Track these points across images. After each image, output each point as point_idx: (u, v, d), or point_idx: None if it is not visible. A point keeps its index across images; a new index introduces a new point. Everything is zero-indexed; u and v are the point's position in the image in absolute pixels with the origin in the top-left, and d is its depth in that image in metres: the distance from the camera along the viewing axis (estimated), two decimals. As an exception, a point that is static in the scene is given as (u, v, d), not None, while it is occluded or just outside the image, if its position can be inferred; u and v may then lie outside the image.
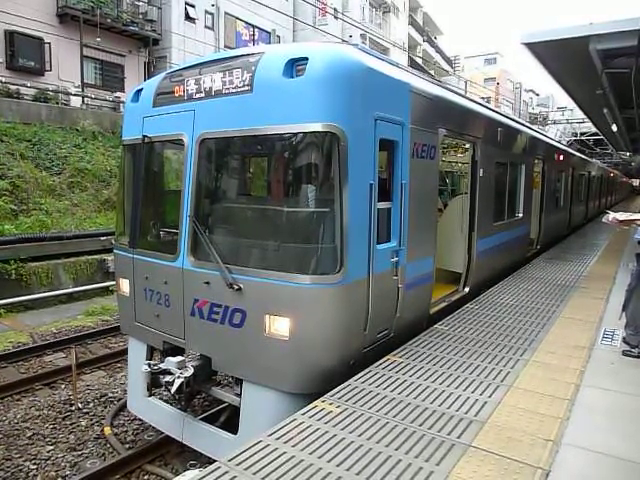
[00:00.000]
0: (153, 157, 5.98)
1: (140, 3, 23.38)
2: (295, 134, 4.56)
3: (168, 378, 4.93)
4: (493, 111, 9.35)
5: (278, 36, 28.62)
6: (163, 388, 5.35)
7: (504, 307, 7.07)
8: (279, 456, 3.29)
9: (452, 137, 6.83)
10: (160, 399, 5.95)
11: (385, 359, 5.03)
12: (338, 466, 3.19)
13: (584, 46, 7.66)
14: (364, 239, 4.68)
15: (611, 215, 5.33)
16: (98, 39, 20.41)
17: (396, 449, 3.41)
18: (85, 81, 20.86)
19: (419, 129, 5.60)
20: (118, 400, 7.26)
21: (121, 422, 6.70)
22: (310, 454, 3.32)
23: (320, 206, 4.59)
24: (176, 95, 5.29)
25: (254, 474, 3.10)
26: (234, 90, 4.73)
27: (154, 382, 5.18)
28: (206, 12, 25.61)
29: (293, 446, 3.42)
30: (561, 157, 14.49)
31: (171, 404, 5.73)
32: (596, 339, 5.79)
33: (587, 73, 9.33)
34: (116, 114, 19.96)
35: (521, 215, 10.55)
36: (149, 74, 22.37)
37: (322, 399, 4.16)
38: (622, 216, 5.24)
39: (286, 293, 4.43)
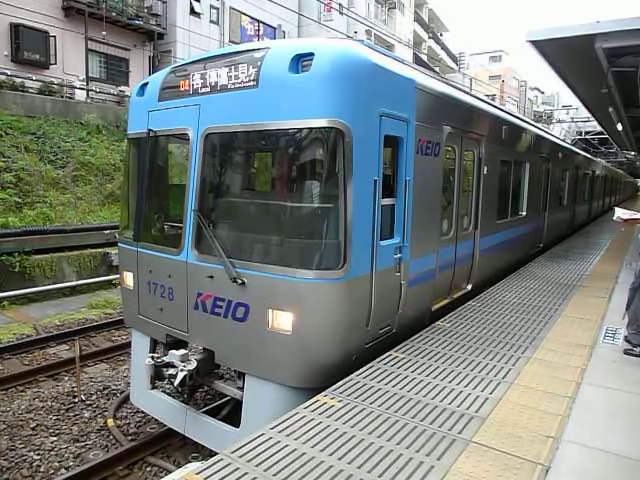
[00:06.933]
0: (158, 151, 5.99)
1: (145, -3, 23.37)
2: (300, 130, 4.58)
3: (171, 371, 4.97)
4: (498, 109, 9.34)
5: (283, 31, 28.56)
6: (166, 381, 5.40)
7: (506, 305, 7.09)
8: (281, 449, 3.33)
9: (457, 134, 6.83)
10: (163, 392, 5.99)
11: (387, 355, 5.06)
12: (340, 459, 3.22)
13: (590, 44, 7.62)
14: (368, 235, 4.70)
15: (616, 214, 5.37)
16: (103, 33, 20.40)
17: (397, 443, 3.44)
18: (90, 75, 20.87)
19: (424, 126, 5.60)
20: (121, 392, 7.31)
21: (124, 414, 6.75)
22: (312, 447, 3.35)
23: (324, 202, 4.60)
24: (181, 89, 5.30)
25: (256, 466, 3.13)
26: (239, 85, 4.74)
27: (157, 375, 5.23)
28: (211, 7, 25.55)
29: (295, 439, 3.45)
30: (565, 156, 14.46)
31: (174, 397, 5.77)
32: (598, 338, 5.80)
33: (593, 71, 9.29)
34: (120, 108, 19.97)
35: (524, 214, 10.55)
36: (154, 68, 22.35)
37: (324, 393, 4.19)
38: (626, 215, 5.27)
39: (289, 288, 4.45)
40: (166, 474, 5.28)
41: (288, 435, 3.51)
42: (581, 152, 19.51)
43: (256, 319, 4.62)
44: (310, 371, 4.58)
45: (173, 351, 5.10)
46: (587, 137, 37.95)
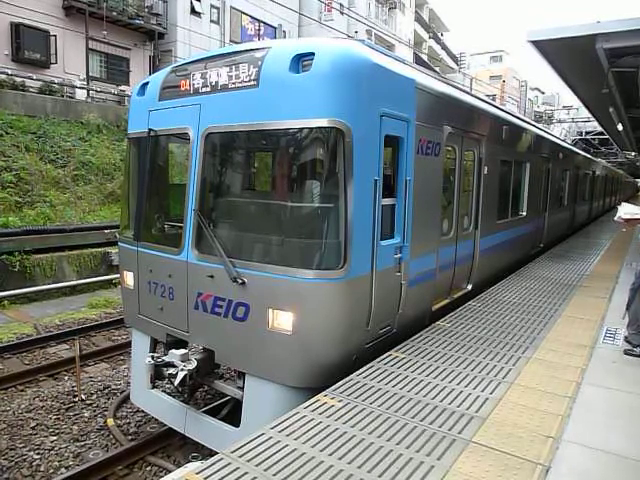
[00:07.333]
0: (158, 151, 5.99)
1: (146, -4, 23.37)
2: (300, 129, 4.57)
3: (171, 371, 4.97)
4: (498, 109, 9.33)
5: (284, 31, 28.55)
6: (166, 380, 5.40)
7: (506, 305, 7.09)
8: (281, 448, 3.33)
9: (457, 134, 6.83)
10: (163, 391, 6.00)
11: (387, 355, 5.06)
12: (340, 459, 3.22)
13: (591, 44, 7.62)
14: (368, 235, 4.70)
15: (618, 213, 5.38)
16: (104, 32, 20.40)
17: (397, 443, 3.44)
18: (90, 74, 20.86)
19: (424, 126, 5.60)
20: (121, 392, 7.31)
21: (124, 414, 6.75)
22: (312, 447, 3.35)
23: (325, 201, 4.61)
24: (182, 89, 5.30)
25: (256, 466, 3.13)
26: (240, 85, 4.74)
27: (157, 374, 5.22)
28: (212, 6, 25.53)
29: (295, 439, 3.45)
30: (566, 156, 14.46)
31: (174, 396, 5.77)
32: (598, 338, 5.80)
33: (593, 72, 9.29)
34: (121, 107, 19.98)
35: (525, 214, 10.56)
36: (154, 68, 22.35)
37: (324, 393, 4.19)
38: (627, 215, 5.27)
39: (289, 287, 4.45)
40: (166, 474, 5.29)
41: (288, 435, 3.51)
42: (581, 152, 19.50)
43: (256, 319, 4.62)
44: (310, 371, 4.58)
45: (173, 351, 5.11)
46: (587, 137, 37.95)
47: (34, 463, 5.64)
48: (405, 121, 5.22)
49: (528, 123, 11.47)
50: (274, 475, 3.04)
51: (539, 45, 8.38)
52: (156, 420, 6.15)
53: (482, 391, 4.29)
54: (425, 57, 40.86)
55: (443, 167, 6.31)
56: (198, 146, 5.06)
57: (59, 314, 11.12)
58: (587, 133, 38.37)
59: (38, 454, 5.80)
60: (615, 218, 5.79)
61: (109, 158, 17.10)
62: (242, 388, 4.97)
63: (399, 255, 5.24)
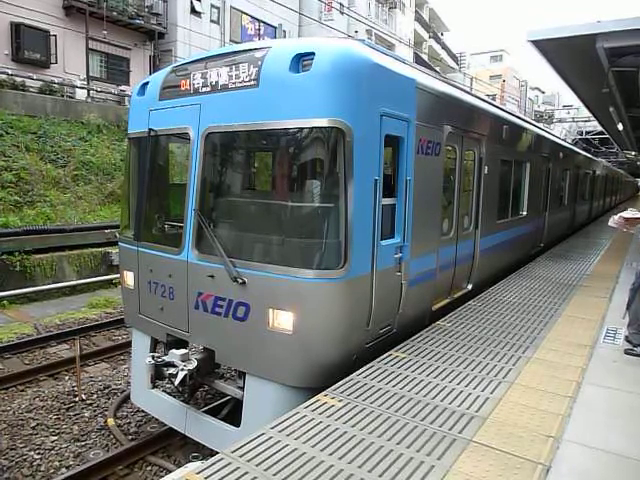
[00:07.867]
0: (159, 150, 5.99)
1: (146, -4, 23.37)
2: (301, 129, 4.57)
3: (172, 370, 4.97)
4: (499, 109, 9.33)
5: (284, 31, 28.55)
6: (166, 380, 5.40)
7: (506, 304, 7.08)
8: (282, 448, 3.33)
9: (457, 134, 6.82)
10: (163, 391, 5.99)
11: (387, 354, 5.06)
12: (340, 459, 3.22)
13: (591, 44, 7.61)
14: (368, 235, 4.70)
15: (617, 215, 5.37)
16: (104, 32, 20.40)
17: (398, 443, 3.43)
18: (90, 74, 20.86)
19: (425, 125, 5.60)
20: (121, 392, 7.31)
21: (124, 414, 6.75)
22: (312, 447, 3.35)
23: (325, 201, 4.61)
24: (182, 89, 5.30)
25: (257, 465, 3.13)
26: (240, 84, 4.74)
27: (157, 374, 5.22)
28: (212, 6, 25.53)
29: (296, 439, 3.45)
30: (566, 156, 14.46)
31: (174, 396, 5.77)
32: (598, 337, 5.80)
33: (593, 71, 9.28)
34: (121, 107, 19.99)
35: (525, 213, 10.55)
36: (154, 68, 22.35)
37: (324, 393, 4.19)
38: (628, 214, 5.27)
39: (290, 287, 4.45)
40: (166, 473, 5.28)
41: (288, 435, 3.51)
42: (581, 152, 19.49)
43: (256, 319, 4.62)
44: (310, 371, 4.58)
45: (174, 350, 5.11)
46: (588, 137, 37.94)
47: (34, 463, 5.65)
48: (405, 121, 5.22)
49: (528, 123, 11.47)
50: (274, 475, 3.04)
51: (539, 45, 8.38)
52: (156, 420, 6.15)
53: (482, 391, 4.29)
54: (425, 57, 40.83)
55: (443, 167, 6.30)
56: (198, 146, 5.06)
57: (59, 314, 11.12)
58: (587, 133, 38.38)
59: (38, 454, 5.80)
60: (616, 218, 5.75)
61: (109, 158, 17.11)
62: (242, 388, 4.97)
63: (399, 255, 5.24)
